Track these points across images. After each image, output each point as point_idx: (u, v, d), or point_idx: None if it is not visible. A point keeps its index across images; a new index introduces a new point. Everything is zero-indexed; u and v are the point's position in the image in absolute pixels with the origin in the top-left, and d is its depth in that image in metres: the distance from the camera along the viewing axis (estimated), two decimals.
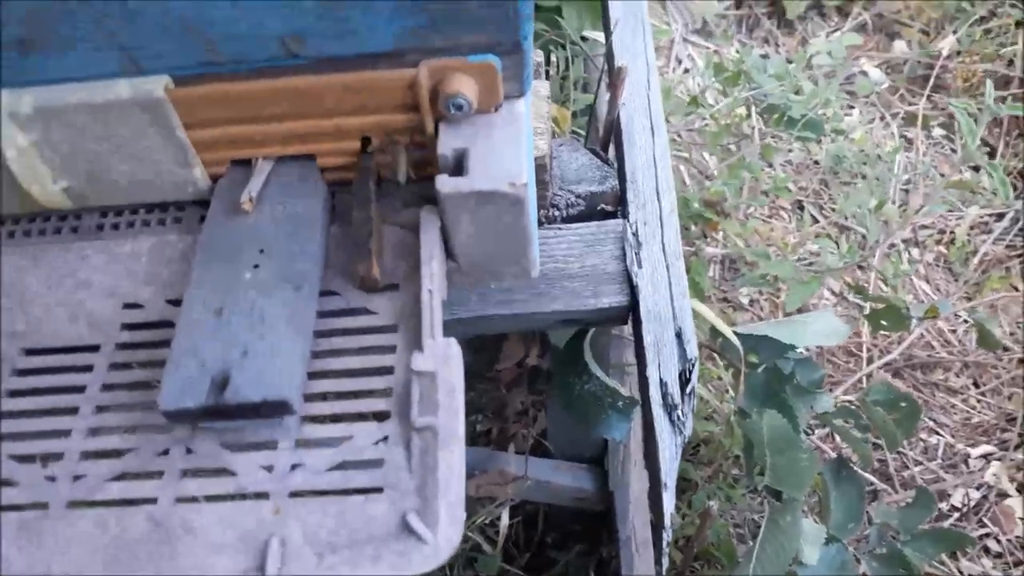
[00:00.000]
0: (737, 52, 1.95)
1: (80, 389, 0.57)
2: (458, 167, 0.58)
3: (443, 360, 0.54)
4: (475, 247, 0.61)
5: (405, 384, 0.55)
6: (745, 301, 1.58)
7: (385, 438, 0.54)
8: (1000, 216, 1.73)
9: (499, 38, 0.56)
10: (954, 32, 2.35)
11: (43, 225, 0.65)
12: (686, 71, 1.94)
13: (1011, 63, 2.25)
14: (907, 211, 1.72)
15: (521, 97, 0.60)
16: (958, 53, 2.23)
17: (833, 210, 1.72)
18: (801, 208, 1.67)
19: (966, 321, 1.49)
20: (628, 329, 0.78)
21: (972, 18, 2.42)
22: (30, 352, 0.60)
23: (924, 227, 1.74)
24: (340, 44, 0.56)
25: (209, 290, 0.56)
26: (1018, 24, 2.28)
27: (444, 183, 0.56)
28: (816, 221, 1.67)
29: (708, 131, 1.39)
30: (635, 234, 0.75)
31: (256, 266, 0.57)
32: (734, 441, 1.19)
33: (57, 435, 0.56)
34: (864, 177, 1.78)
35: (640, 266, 0.72)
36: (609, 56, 0.93)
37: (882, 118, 2.02)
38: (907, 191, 1.75)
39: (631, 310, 0.71)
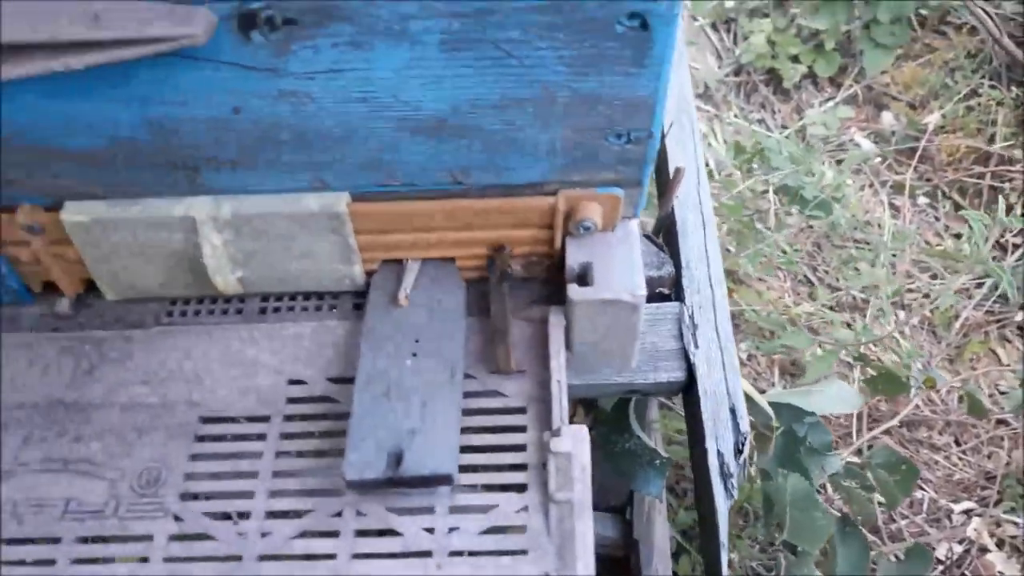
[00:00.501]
0: (746, 122, 2.10)
1: (257, 455, 0.67)
2: (582, 277, 0.70)
3: (577, 442, 0.65)
4: (591, 342, 0.72)
5: (539, 460, 0.66)
6: (744, 356, 1.71)
7: (526, 507, 0.64)
8: (980, 283, 1.89)
9: (625, 176, 0.68)
10: (940, 108, 2.54)
11: (211, 307, 0.75)
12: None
13: (992, 139, 2.43)
14: (896, 275, 1.87)
15: (634, 218, 0.72)
16: (942, 128, 2.40)
17: (827, 272, 1.86)
18: (809, 280, 1.80)
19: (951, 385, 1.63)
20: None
21: (956, 95, 2.61)
22: (206, 420, 0.69)
23: (910, 290, 1.90)
24: (497, 177, 0.67)
25: (377, 375, 0.67)
26: (998, 103, 2.47)
27: (575, 292, 0.68)
28: (812, 284, 1.81)
29: (726, 204, 1.53)
30: (691, 316, 0.87)
31: (414, 354, 0.68)
32: (746, 496, 1.31)
33: (243, 496, 0.65)
34: (856, 241, 1.93)
35: (696, 346, 0.84)
36: (663, 154, 1.05)
37: (871, 185, 2.18)
38: (895, 255, 1.90)
39: (687, 385, 0.82)
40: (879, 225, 2.20)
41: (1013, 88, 2.51)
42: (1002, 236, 2.22)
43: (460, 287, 0.73)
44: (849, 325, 1.73)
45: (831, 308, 1.75)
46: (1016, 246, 2.02)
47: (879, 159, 2.30)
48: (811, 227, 2.00)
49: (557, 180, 0.68)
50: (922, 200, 2.34)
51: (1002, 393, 1.61)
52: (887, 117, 2.56)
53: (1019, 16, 2.68)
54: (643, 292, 0.68)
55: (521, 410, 0.70)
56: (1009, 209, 2.40)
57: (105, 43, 0.52)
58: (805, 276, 1.86)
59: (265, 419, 0.69)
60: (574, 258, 0.70)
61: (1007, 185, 2.42)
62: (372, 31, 0.56)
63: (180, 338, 0.73)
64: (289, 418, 0.70)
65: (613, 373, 0.80)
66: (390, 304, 0.71)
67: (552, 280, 0.75)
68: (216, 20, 0.54)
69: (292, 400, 0.70)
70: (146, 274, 0.72)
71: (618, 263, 0.69)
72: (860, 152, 2.17)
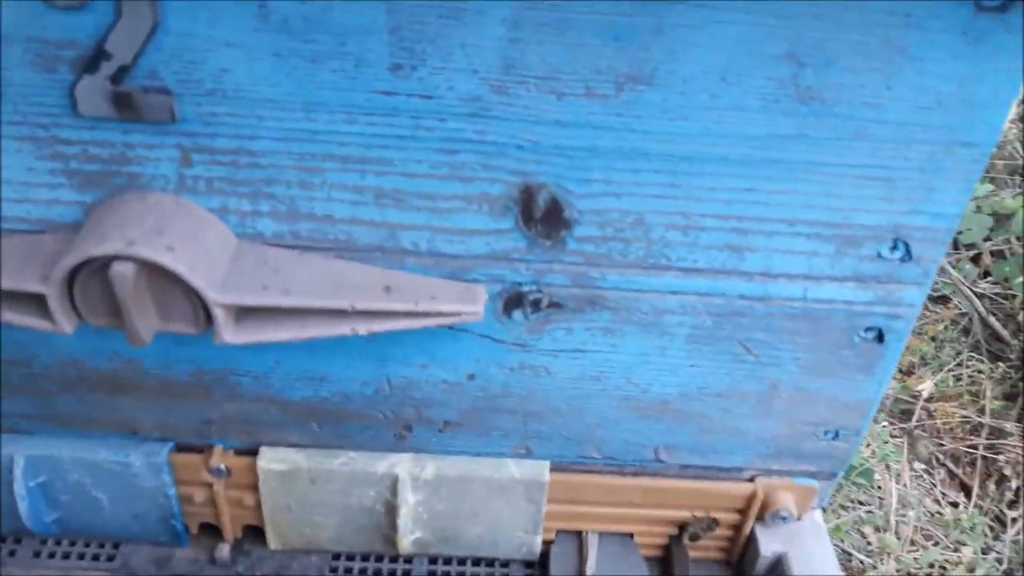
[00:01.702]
0: None
1: None
2: (775, 566, 0.69)
3: None
4: None
5: None
6: None
7: None
8: (986, 554, 1.89)
9: (823, 469, 0.69)
10: (932, 376, 2.64)
11: (377, 566, 0.72)
12: None
13: (982, 410, 2.51)
14: (903, 542, 1.86)
15: (819, 508, 0.72)
16: (933, 397, 2.48)
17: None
18: None
19: None
20: None
21: (945, 365, 2.72)
22: None
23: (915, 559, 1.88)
24: (701, 458, 0.68)
25: None
26: (984, 375, 2.57)
27: None
28: None
29: None
30: None
31: None
32: None
33: None
34: (862, 503, 1.94)
35: None
36: None
37: (868, 445, 2.21)
38: (899, 522, 1.91)
39: None
40: (879, 487, 2.21)
41: (1000, 363, 2.64)
42: (999, 511, 2.23)
43: (642, 564, 0.71)
44: None
45: None
46: (1015, 520, 2.04)
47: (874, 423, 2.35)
48: None
49: (757, 467, 0.69)
50: (918, 466, 2.38)
51: None
52: None
53: (996, 297, 2.87)
54: None
55: None
56: (1002, 480, 2.43)
57: (393, 314, 0.54)
58: None
59: None
60: (768, 547, 0.69)
61: (1000, 457, 2.47)
62: (628, 320, 0.59)
63: None
64: None
65: None
66: None
67: (726, 563, 0.73)
68: (487, 298, 0.57)
69: None
70: (323, 528, 0.70)
71: (814, 554, 0.69)
72: None
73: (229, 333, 0.53)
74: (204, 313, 0.53)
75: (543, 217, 0.54)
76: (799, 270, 0.56)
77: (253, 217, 0.55)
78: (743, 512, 0.70)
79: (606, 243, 0.55)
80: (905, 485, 2.21)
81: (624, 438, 0.67)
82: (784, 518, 0.69)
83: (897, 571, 1.84)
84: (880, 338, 0.60)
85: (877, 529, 1.84)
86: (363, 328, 0.54)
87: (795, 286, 0.57)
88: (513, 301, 0.58)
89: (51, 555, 0.73)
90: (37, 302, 0.53)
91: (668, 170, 0.52)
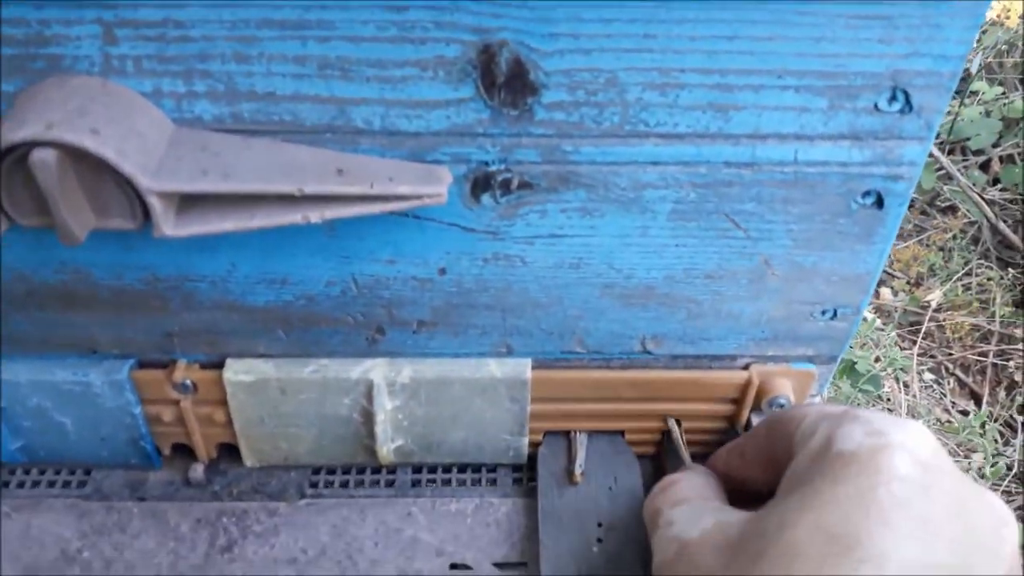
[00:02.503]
0: None
1: None
2: None
3: None
4: None
5: None
6: None
7: None
8: (996, 459, 1.89)
9: (822, 352, 0.65)
10: (941, 286, 2.61)
11: (359, 477, 0.69)
12: None
13: (992, 317, 2.49)
14: None
15: (818, 395, 0.69)
16: (942, 307, 2.46)
17: None
18: None
19: None
20: None
21: (954, 274, 2.69)
22: None
23: None
24: (691, 346, 0.64)
25: (564, 563, 0.61)
26: (993, 280, 2.55)
27: None
28: None
29: None
30: None
31: (600, 540, 0.62)
32: None
33: None
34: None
35: None
36: None
37: (877, 360, 2.20)
38: None
39: None
40: (888, 399, 2.20)
41: (1010, 269, 2.61)
42: (1010, 416, 2.24)
43: (634, 462, 0.68)
44: None
45: None
46: None
47: (881, 333, 2.34)
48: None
49: (751, 354, 0.65)
50: (927, 376, 2.37)
51: None
52: (886, 292, 2.61)
53: (1004, 201, 2.83)
54: None
55: None
56: (1012, 386, 2.43)
57: (347, 198, 0.50)
58: None
59: None
60: None
61: (1011, 363, 2.46)
62: (605, 198, 0.55)
63: (330, 513, 0.66)
64: None
65: None
66: (562, 482, 0.66)
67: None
68: (451, 179, 0.52)
69: None
70: (298, 440, 0.67)
71: None
72: (866, 324, 2.21)
73: (168, 226, 0.48)
74: (141, 206, 0.48)
75: (506, 82, 0.49)
76: (789, 129, 0.52)
77: (189, 99, 0.50)
78: (738, 402, 0.66)
79: (578, 109, 0.50)
80: (914, 395, 2.20)
81: (609, 329, 0.63)
82: (782, 405, 0.65)
83: None
84: (879, 203, 0.55)
85: None
86: (315, 215, 0.50)
87: (785, 148, 0.53)
88: (481, 183, 0.54)
89: (20, 484, 0.69)
90: None
91: (643, 18, 0.47)
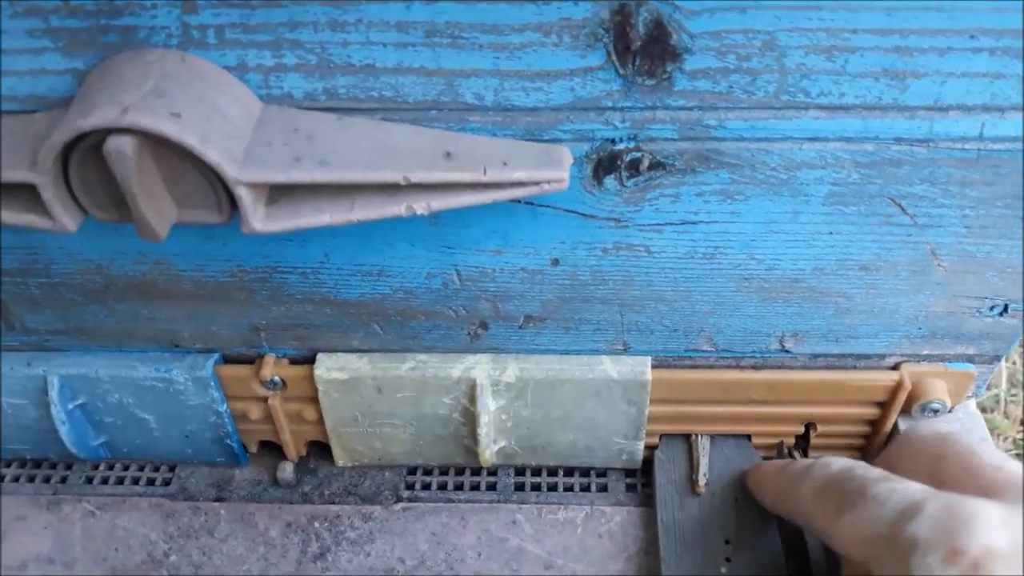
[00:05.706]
0: None
1: None
2: None
3: None
4: None
5: None
6: None
7: None
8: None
9: (984, 352, 0.57)
10: None
11: (458, 479, 0.64)
12: None
13: None
14: (1013, 422, 1.74)
15: (975, 397, 0.61)
16: None
17: None
18: None
19: None
20: None
21: None
22: None
23: None
24: (834, 345, 0.57)
25: None
26: None
27: None
28: None
29: None
30: None
31: (728, 559, 0.56)
32: None
33: None
34: None
35: None
36: None
37: None
38: (1009, 401, 1.78)
39: None
40: None
41: None
42: None
43: None
44: None
45: None
46: None
47: None
48: None
49: (903, 353, 0.57)
50: None
51: None
52: None
53: None
54: None
55: None
56: None
57: (456, 186, 0.43)
58: None
59: None
60: None
61: None
62: (751, 180, 0.47)
63: (428, 519, 0.61)
64: None
65: None
66: (683, 491, 0.60)
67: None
68: (571, 160, 0.45)
69: None
70: (393, 440, 0.62)
71: None
72: None
73: (259, 220, 0.43)
74: (228, 197, 0.43)
75: (643, 47, 0.41)
76: (977, 99, 0.43)
77: (278, 73, 0.44)
78: (884, 405, 0.58)
79: (726, 77, 0.43)
80: (1014, 363, 2.06)
81: (743, 326, 0.56)
82: (936, 410, 0.57)
83: (1009, 452, 1.73)
84: None
85: (984, 410, 1.71)
86: (421, 206, 0.43)
87: (970, 121, 0.44)
88: (605, 164, 0.47)
89: (104, 480, 0.66)
90: (32, 195, 0.43)
91: None
